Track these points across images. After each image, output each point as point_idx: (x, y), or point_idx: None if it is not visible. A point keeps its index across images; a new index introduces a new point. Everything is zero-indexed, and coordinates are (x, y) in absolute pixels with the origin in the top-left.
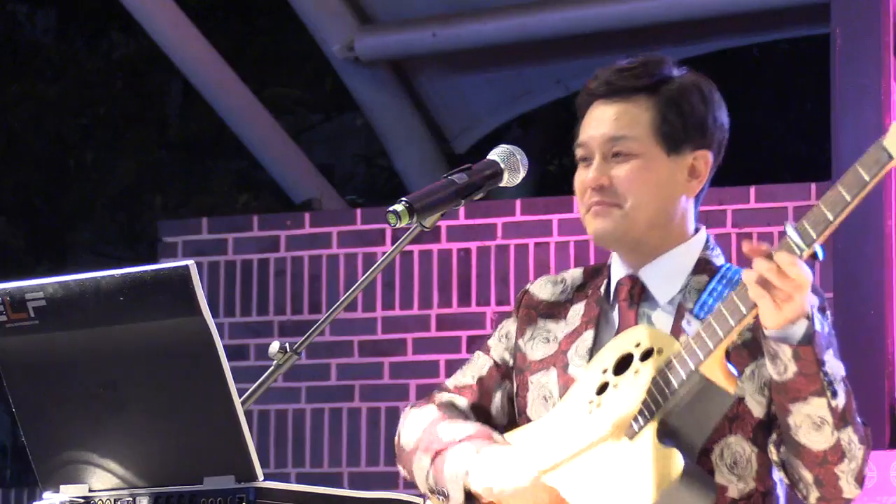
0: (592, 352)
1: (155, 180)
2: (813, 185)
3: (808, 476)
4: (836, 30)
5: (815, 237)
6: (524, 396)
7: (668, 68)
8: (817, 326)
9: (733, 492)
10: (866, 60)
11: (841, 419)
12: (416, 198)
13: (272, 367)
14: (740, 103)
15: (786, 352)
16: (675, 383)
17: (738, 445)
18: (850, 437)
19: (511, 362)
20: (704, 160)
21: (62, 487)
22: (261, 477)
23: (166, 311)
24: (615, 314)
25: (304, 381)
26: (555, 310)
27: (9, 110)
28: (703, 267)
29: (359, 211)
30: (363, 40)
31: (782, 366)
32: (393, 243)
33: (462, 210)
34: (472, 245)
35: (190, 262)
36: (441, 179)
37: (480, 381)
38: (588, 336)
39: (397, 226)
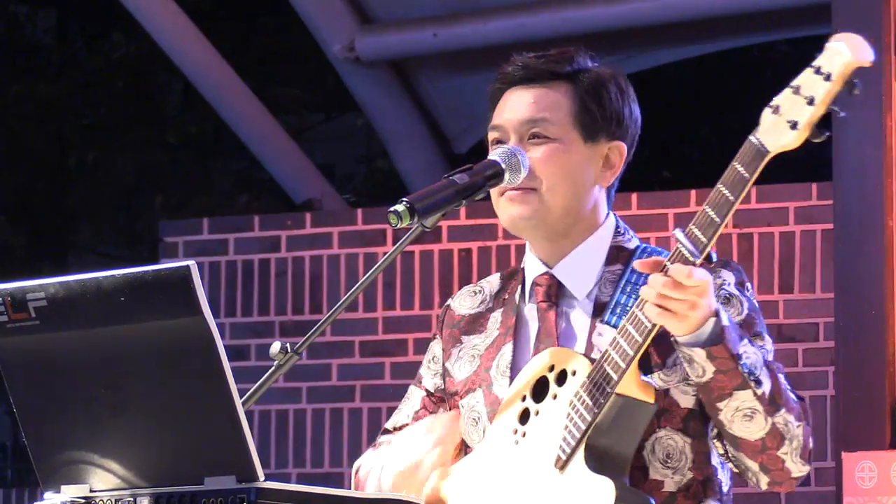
0: (513, 367)
1: (156, 180)
2: (814, 185)
3: (753, 465)
4: (837, 30)
5: (706, 242)
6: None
7: (584, 59)
8: (724, 321)
9: (670, 485)
10: None
11: (771, 404)
12: (417, 198)
13: (273, 368)
14: (740, 104)
15: (700, 354)
16: (595, 408)
17: (669, 438)
18: (785, 419)
19: (442, 386)
20: (619, 151)
21: (63, 488)
22: (262, 477)
23: (167, 312)
24: (534, 316)
25: (305, 381)
26: (476, 323)
27: (10, 110)
28: (616, 255)
29: (360, 211)
30: (364, 40)
31: (700, 368)
32: (394, 243)
33: (463, 210)
34: (474, 245)
35: (191, 263)
36: (442, 180)
37: (416, 418)
38: (507, 350)
39: (398, 226)
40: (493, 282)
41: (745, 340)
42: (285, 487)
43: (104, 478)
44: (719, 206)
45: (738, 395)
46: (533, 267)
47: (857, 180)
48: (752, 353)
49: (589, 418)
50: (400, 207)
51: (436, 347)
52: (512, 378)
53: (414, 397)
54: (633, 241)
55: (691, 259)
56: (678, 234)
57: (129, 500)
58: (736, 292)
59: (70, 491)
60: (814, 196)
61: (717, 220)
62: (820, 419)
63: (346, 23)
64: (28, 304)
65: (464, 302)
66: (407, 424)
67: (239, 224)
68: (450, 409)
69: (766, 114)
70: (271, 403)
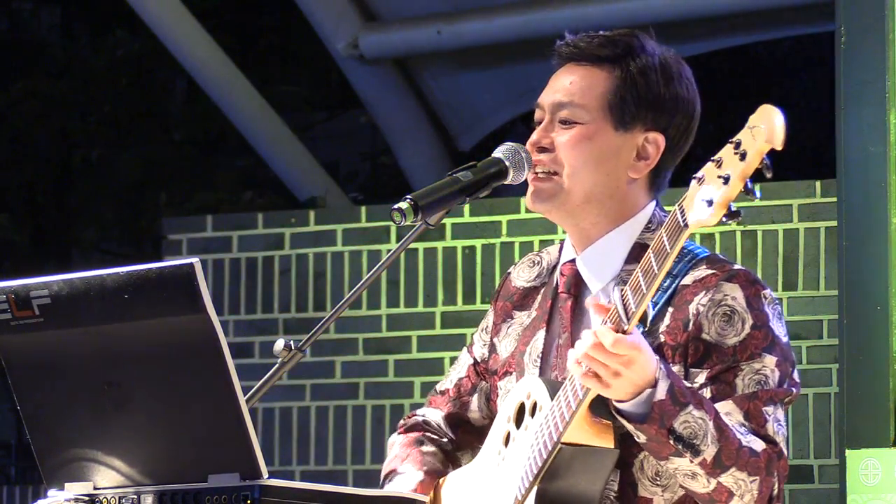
0: (543, 357)
1: (159, 178)
2: (818, 183)
3: None
4: (841, 27)
5: (634, 310)
6: (496, 401)
7: (641, 43)
8: (660, 394)
9: (660, 503)
10: (871, 57)
11: (714, 466)
12: (421, 195)
13: (277, 365)
14: (744, 100)
15: (629, 426)
16: (545, 455)
17: None
18: (735, 476)
19: (488, 359)
20: (655, 143)
21: (67, 485)
22: (265, 475)
23: (171, 309)
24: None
25: (309, 378)
26: (528, 297)
27: (14, 108)
28: (638, 254)
29: (363, 208)
30: (367, 38)
31: (633, 433)
32: (398, 241)
33: (467, 208)
34: (477, 243)
35: (194, 260)
36: (446, 177)
37: (458, 385)
38: (539, 338)
39: (402, 223)
40: (552, 253)
41: (690, 406)
42: (289, 485)
43: (108, 475)
44: (646, 273)
45: (674, 460)
46: (566, 252)
47: (861, 177)
48: (695, 420)
49: (539, 464)
50: (404, 205)
51: (489, 317)
52: (542, 368)
53: (462, 362)
54: None
55: (622, 326)
56: (616, 294)
57: (132, 498)
58: (741, 308)
59: (74, 488)
60: (818, 193)
61: (644, 290)
62: (824, 417)
63: (349, 20)
64: (32, 302)
65: (522, 273)
66: (447, 390)
67: (243, 221)
68: (490, 388)
69: (693, 184)
70: (275, 401)
